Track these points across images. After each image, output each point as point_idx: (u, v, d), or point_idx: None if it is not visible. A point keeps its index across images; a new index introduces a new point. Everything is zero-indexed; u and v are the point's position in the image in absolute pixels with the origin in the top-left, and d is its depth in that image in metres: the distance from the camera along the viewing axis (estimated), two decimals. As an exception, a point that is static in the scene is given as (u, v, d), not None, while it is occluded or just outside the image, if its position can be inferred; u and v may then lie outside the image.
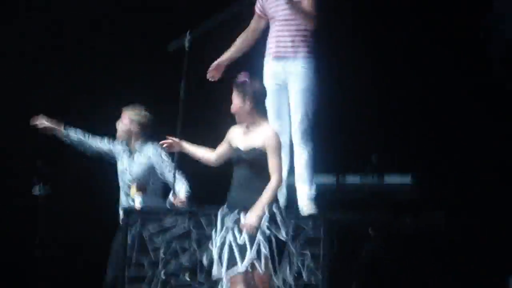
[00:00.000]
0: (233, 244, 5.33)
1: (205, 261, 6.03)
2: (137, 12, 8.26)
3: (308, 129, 6.18)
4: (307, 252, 5.96)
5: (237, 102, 5.48)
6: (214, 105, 8.25)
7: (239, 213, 5.38)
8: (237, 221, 5.37)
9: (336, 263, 6.04)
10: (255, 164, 5.43)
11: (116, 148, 6.86)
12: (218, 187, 7.82)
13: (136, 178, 6.70)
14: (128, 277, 6.18)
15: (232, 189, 5.52)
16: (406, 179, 6.78)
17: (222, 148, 5.65)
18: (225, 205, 5.49)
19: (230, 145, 5.58)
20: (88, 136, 6.83)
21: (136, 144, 6.80)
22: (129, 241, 6.20)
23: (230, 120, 8.05)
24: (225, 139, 5.64)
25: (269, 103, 6.19)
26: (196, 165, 6.60)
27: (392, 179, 6.78)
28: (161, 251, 6.17)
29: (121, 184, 6.83)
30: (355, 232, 5.47)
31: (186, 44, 6.37)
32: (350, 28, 7.58)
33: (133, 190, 6.57)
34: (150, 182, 6.72)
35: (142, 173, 6.74)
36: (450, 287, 6.35)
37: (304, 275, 5.94)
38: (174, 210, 6.28)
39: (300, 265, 5.92)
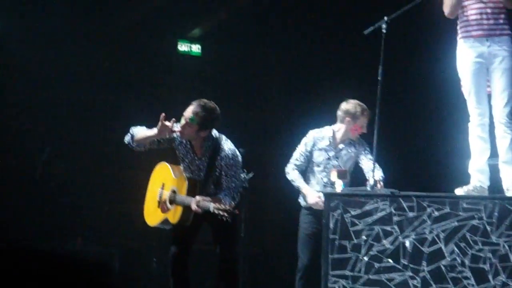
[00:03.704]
0: None
1: (408, 245, 6.03)
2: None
3: None
4: (515, 234, 5.84)
5: None
6: (411, 86, 8.24)
7: None
8: None
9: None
10: None
11: (319, 142, 7.17)
12: (412, 175, 7.83)
13: (342, 166, 7.03)
14: (332, 260, 6.26)
15: None
16: None
17: None
18: None
19: None
20: None
21: (344, 142, 7.16)
22: (331, 225, 6.27)
23: (429, 96, 8.02)
24: None
25: (470, 85, 6.10)
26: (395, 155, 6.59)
27: None
28: (363, 234, 6.21)
29: (317, 170, 7.09)
30: None
31: (383, 26, 6.31)
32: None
33: (334, 175, 6.66)
34: (349, 169, 7.07)
35: (349, 164, 7.14)
36: None
37: (511, 256, 5.83)
38: (375, 194, 6.30)
39: (507, 246, 5.82)
